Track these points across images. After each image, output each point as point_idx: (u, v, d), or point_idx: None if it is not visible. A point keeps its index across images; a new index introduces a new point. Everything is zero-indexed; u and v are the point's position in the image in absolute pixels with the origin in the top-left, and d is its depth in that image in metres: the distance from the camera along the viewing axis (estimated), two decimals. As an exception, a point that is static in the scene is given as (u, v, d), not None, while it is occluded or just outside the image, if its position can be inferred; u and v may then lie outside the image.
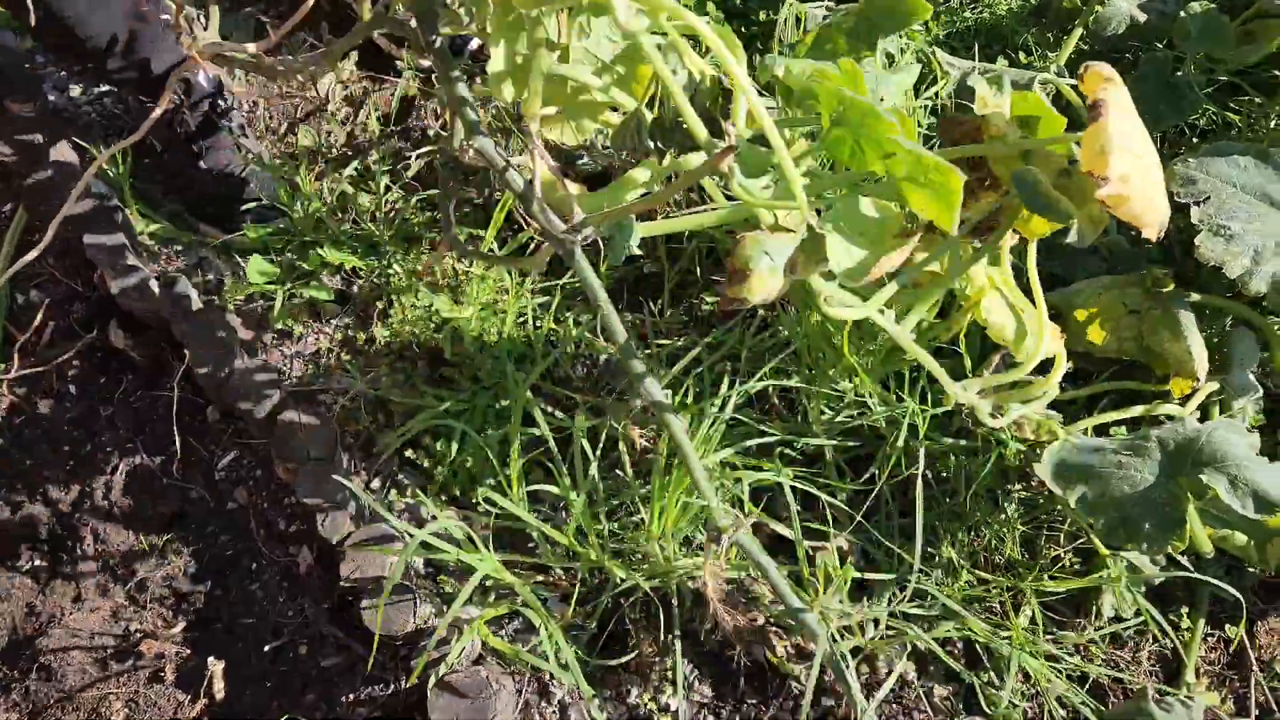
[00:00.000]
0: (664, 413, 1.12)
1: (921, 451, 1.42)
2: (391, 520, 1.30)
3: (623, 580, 1.35)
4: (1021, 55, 1.80)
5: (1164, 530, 1.28)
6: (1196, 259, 1.42)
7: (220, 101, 1.63)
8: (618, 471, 1.45)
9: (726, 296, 0.98)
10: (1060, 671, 1.38)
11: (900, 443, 1.42)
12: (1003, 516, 1.47)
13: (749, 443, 1.43)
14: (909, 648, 1.38)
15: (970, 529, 1.47)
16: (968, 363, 1.46)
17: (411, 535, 1.27)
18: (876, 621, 1.37)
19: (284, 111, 1.84)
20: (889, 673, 1.36)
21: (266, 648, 1.39)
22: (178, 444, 1.47)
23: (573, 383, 1.58)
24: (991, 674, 1.40)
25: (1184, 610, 1.45)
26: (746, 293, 0.97)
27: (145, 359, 1.53)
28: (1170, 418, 1.42)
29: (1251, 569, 1.46)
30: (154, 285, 1.50)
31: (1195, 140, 1.78)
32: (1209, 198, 1.43)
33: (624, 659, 1.38)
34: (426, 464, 1.50)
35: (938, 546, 1.45)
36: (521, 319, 1.60)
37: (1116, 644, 1.45)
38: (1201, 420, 1.42)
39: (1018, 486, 1.50)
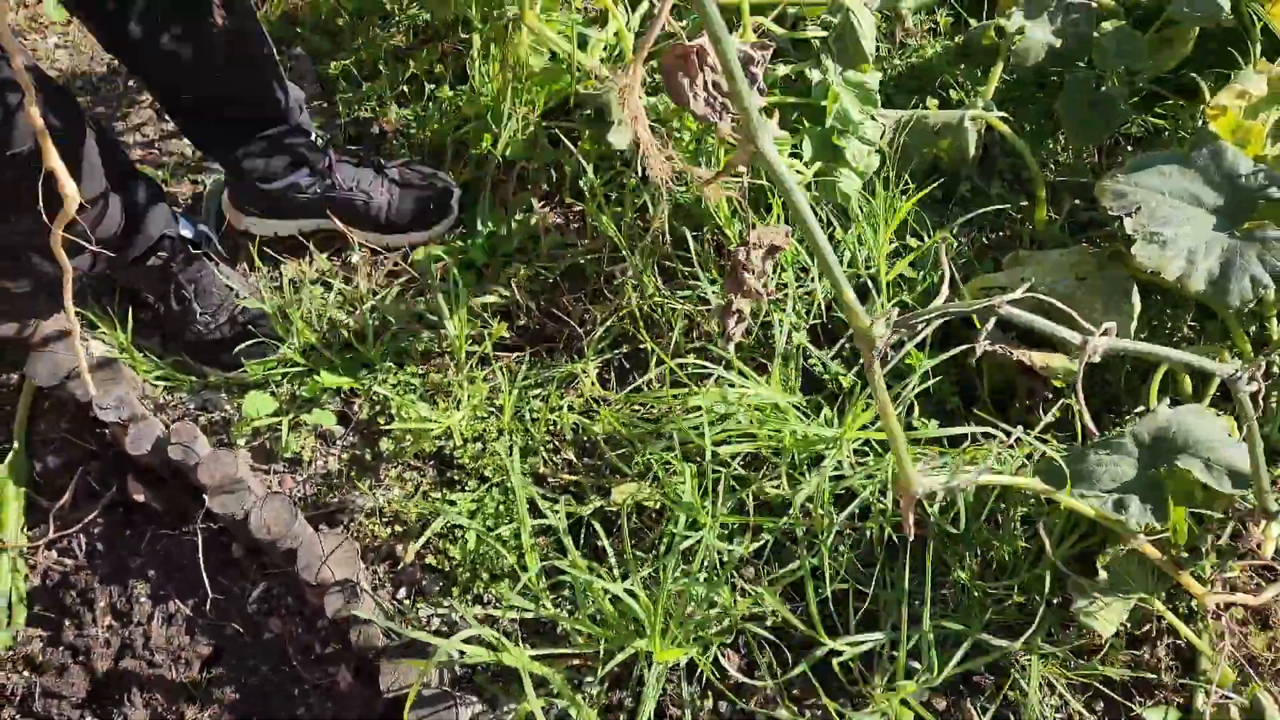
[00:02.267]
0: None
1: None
2: (421, 637, 1.35)
3: (649, 658, 1.40)
4: (951, 94, 1.89)
5: (1151, 514, 1.35)
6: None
7: (205, 249, 1.71)
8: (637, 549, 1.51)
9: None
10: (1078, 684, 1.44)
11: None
12: (1002, 534, 1.52)
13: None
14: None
15: (976, 551, 1.52)
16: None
17: (439, 646, 1.32)
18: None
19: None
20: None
21: (320, 768, 1.44)
22: (207, 584, 1.52)
23: (575, 467, 1.65)
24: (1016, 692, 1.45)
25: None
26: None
27: (165, 507, 1.60)
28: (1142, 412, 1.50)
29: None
30: (163, 435, 1.56)
31: (1130, 148, 1.87)
32: (1140, 207, 1.50)
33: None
34: (447, 568, 1.56)
35: (948, 573, 1.50)
36: (518, 414, 1.66)
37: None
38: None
39: (1017, 505, 1.56)
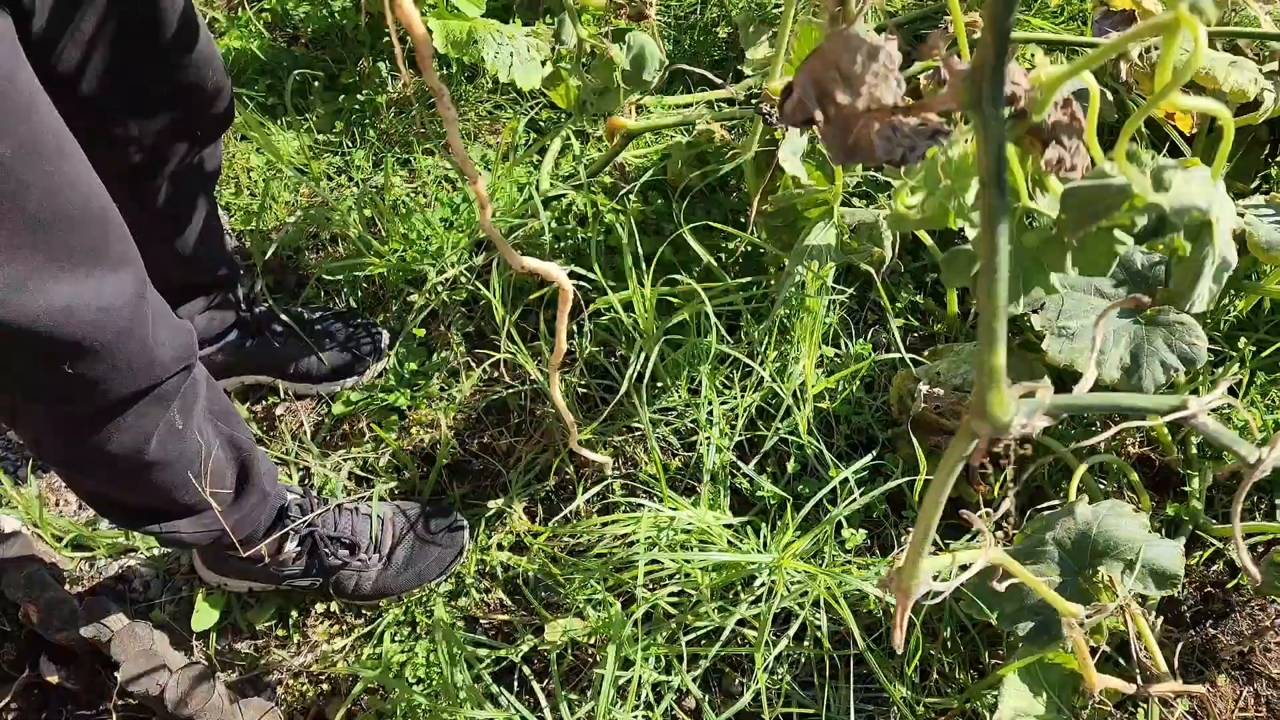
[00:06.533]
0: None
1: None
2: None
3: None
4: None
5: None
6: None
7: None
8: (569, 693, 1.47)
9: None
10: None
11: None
12: (945, 645, 1.50)
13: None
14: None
15: (910, 661, 1.49)
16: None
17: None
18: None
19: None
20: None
21: None
22: (125, 767, 1.46)
23: (506, 606, 1.61)
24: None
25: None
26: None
27: (82, 686, 1.54)
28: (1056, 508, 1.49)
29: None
30: (76, 611, 1.51)
31: (1034, 241, 1.91)
32: (1045, 303, 1.53)
33: None
34: (379, 725, 1.51)
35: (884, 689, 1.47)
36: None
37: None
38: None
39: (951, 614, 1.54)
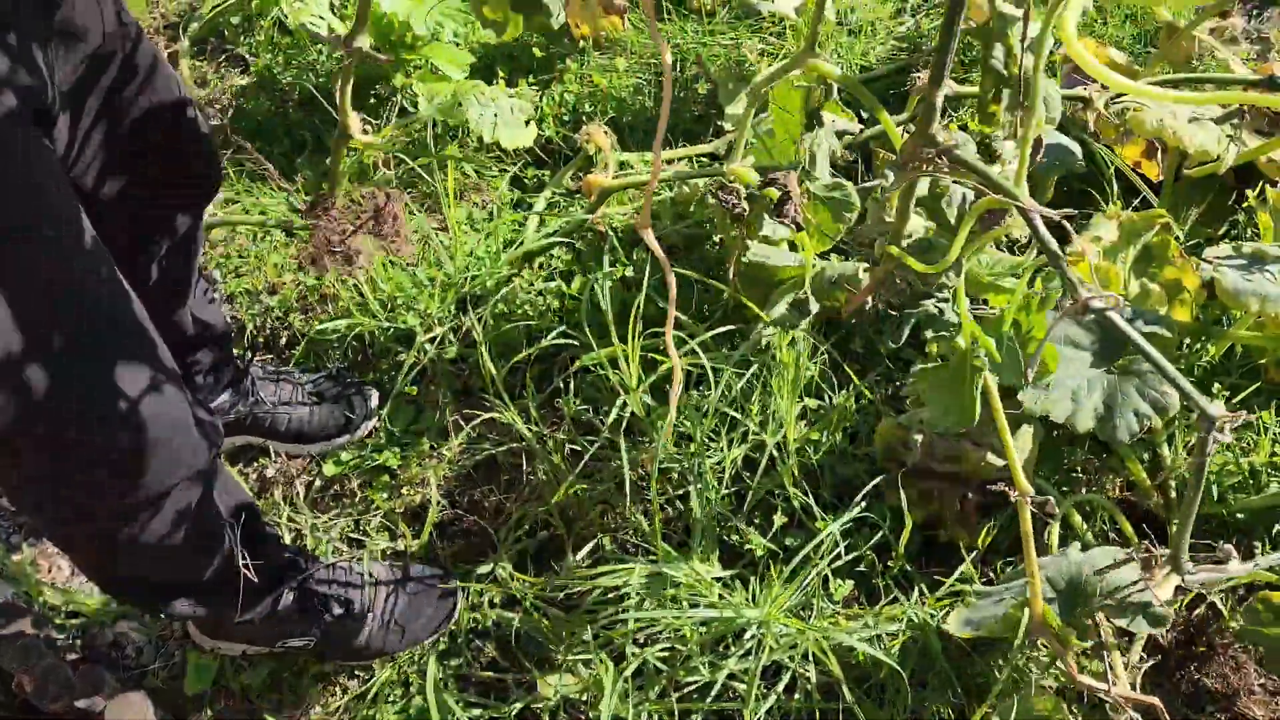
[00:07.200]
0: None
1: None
2: None
3: None
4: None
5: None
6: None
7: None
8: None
9: None
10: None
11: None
12: (935, 694, 1.52)
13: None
14: None
15: (899, 712, 1.51)
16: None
17: None
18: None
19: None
20: None
21: None
22: (120, 837, 1.46)
23: (498, 663, 1.62)
24: None
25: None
26: None
27: (75, 755, 1.54)
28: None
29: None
30: (71, 677, 1.52)
31: (1010, 290, 1.95)
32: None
33: None
34: (372, 789, 1.52)
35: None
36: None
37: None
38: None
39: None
